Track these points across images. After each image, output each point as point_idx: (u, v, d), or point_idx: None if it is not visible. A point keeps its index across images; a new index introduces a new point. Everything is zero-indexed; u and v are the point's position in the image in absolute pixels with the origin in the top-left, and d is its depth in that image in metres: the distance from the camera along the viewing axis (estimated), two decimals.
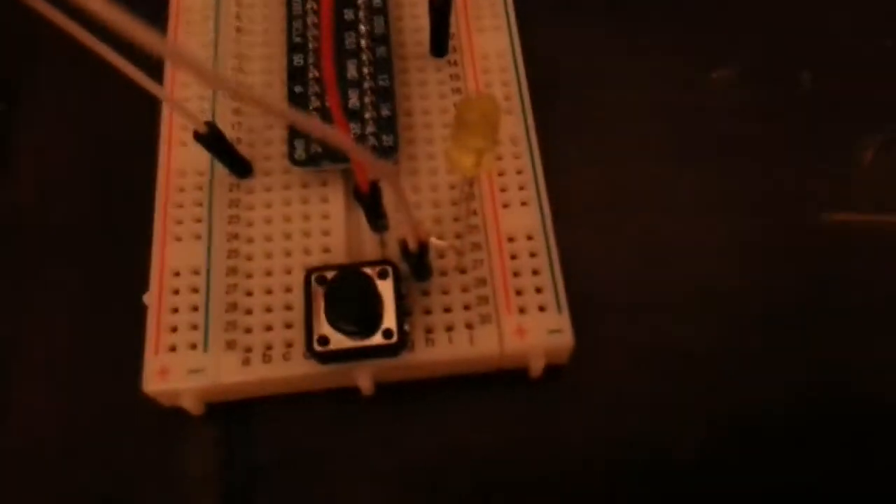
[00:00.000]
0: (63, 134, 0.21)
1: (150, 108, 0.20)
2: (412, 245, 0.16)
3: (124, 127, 0.21)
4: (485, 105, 0.14)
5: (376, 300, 0.17)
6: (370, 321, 0.17)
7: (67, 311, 0.19)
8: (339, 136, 0.14)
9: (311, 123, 0.13)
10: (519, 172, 0.19)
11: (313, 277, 0.17)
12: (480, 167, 0.15)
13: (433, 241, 0.18)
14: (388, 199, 0.17)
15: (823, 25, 0.23)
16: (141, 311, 0.18)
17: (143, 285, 0.18)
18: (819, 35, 0.22)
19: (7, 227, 0.20)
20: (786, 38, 0.22)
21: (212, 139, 0.18)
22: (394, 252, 0.18)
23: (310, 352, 0.17)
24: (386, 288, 0.17)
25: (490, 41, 0.21)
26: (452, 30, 0.21)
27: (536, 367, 0.18)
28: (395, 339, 0.17)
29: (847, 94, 0.22)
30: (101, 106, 0.21)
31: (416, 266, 0.17)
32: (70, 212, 0.20)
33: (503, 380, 0.18)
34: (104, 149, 0.21)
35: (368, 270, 0.17)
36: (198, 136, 0.17)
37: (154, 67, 0.15)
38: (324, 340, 0.17)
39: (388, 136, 0.19)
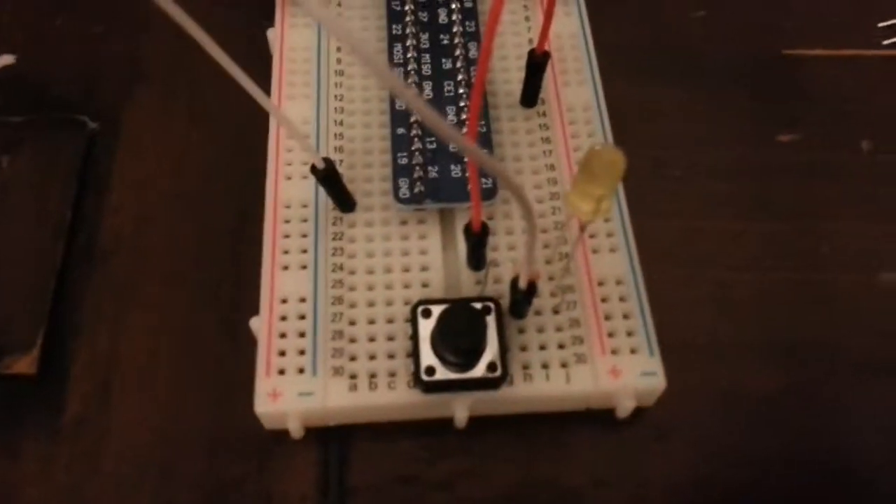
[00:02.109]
0: (164, 160, 0.22)
1: (255, 138, 0.21)
2: (523, 282, 0.17)
3: (226, 155, 0.22)
4: (612, 156, 0.15)
5: (483, 334, 0.17)
6: (475, 354, 0.17)
7: (166, 332, 0.20)
8: (497, 165, 0.14)
9: (470, 147, 0.12)
10: (606, 220, 0.20)
11: (419, 310, 0.18)
12: (598, 213, 0.16)
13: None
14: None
15: (882, 101, 0.24)
16: (239, 335, 0.19)
17: (239, 310, 0.19)
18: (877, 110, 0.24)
19: (107, 252, 0.21)
20: (847, 111, 0.24)
21: (327, 174, 0.18)
22: (490, 289, 0.19)
23: (416, 381, 0.17)
24: (490, 323, 0.18)
25: (576, 95, 0.22)
26: None
27: (626, 407, 0.18)
28: (498, 372, 0.17)
29: None
30: (203, 134, 0.23)
31: (519, 303, 0.18)
32: (168, 235, 0.21)
33: (588, 419, 0.19)
34: (206, 177, 0.22)
35: (475, 305, 0.18)
36: (314, 171, 0.18)
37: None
38: (430, 370, 0.17)
39: (486, 178, 0.20)
